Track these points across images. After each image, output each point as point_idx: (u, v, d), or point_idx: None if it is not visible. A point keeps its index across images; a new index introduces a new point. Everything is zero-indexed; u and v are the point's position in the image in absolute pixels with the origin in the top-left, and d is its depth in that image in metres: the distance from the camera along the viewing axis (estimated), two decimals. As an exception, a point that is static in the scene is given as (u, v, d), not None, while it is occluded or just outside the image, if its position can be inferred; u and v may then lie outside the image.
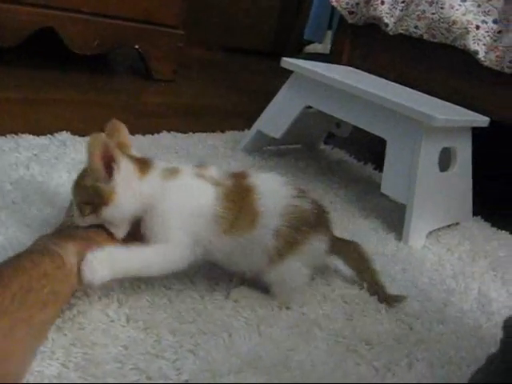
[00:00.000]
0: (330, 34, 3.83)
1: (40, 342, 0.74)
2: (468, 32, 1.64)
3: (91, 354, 0.76)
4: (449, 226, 1.52)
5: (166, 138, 1.67)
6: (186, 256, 0.88)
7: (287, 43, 4.13)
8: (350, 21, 2.00)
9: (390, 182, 1.42)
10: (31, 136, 1.38)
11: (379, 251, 1.29)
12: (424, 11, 1.75)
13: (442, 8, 1.70)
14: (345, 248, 1.09)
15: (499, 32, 1.63)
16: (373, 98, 1.43)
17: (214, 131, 1.85)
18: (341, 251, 1.08)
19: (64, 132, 1.46)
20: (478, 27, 1.64)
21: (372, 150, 1.96)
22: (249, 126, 1.76)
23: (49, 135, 1.42)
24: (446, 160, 1.48)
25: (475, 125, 1.53)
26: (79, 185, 0.87)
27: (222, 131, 1.88)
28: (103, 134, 0.82)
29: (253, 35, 3.92)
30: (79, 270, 0.78)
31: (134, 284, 0.92)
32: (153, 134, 1.65)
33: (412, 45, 1.86)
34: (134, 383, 0.73)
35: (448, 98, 1.67)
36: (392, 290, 1.09)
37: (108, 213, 0.85)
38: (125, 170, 0.85)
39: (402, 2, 1.84)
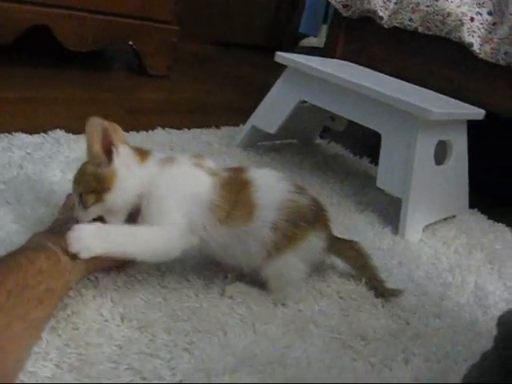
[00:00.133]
0: (325, 27, 3.83)
1: (36, 339, 0.74)
2: (463, 24, 1.64)
3: (85, 354, 0.75)
4: (445, 219, 1.52)
5: (160, 134, 1.66)
6: (179, 242, 0.88)
7: (282, 37, 4.12)
8: (344, 14, 1.99)
9: (386, 176, 1.42)
10: (24, 134, 1.37)
11: (375, 245, 1.29)
12: (418, 4, 1.75)
13: (436, 0, 1.69)
14: (343, 247, 1.08)
15: (494, 24, 1.62)
16: (367, 91, 1.42)
17: (208, 127, 1.84)
18: (340, 251, 1.08)
19: (58, 130, 1.45)
20: (472, 19, 1.64)
21: (368, 143, 1.95)
22: (244, 122, 1.75)
23: (42, 133, 1.41)
24: (441, 153, 1.48)
25: (471, 117, 1.52)
26: (81, 174, 0.88)
27: (217, 127, 1.87)
28: (101, 119, 0.84)
29: (248, 30, 3.91)
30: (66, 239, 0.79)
31: (128, 283, 0.92)
32: (147, 131, 1.65)
33: (407, 38, 1.86)
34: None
35: (443, 91, 1.67)
36: (388, 284, 1.09)
37: (111, 198, 0.86)
38: (124, 153, 0.88)
39: (397, -5, 1.83)
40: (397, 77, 1.77)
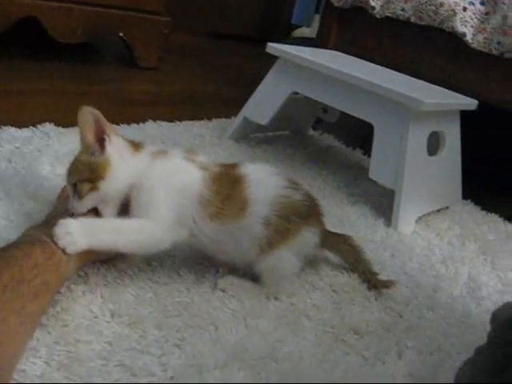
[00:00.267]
0: (317, 18, 3.81)
1: (32, 333, 0.74)
2: (455, 14, 1.63)
3: (75, 351, 0.74)
4: (438, 210, 1.51)
5: (151, 127, 1.65)
6: (167, 234, 0.88)
7: (275, 28, 4.10)
8: (336, 4, 1.98)
9: (379, 168, 1.41)
10: (13, 128, 1.36)
11: (368, 237, 1.28)
12: (410, -7, 1.74)
13: (428, -10, 1.68)
14: (336, 242, 1.08)
15: (486, 14, 1.62)
16: (359, 82, 1.41)
17: (200, 119, 1.83)
18: (333, 245, 1.08)
19: (47, 123, 1.43)
20: (465, 9, 1.63)
21: (360, 134, 1.94)
22: (236, 113, 1.73)
23: (32, 127, 1.40)
24: (434, 144, 1.47)
25: (463, 108, 1.51)
26: (75, 164, 0.89)
27: (209, 119, 1.86)
28: (92, 108, 0.85)
29: (240, 20, 3.88)
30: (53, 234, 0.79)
31: (118, 278, 0.91)
32: (138, 124, 1.63)
33: (399, 28, 1.85)
34: (119, 383, 0.72)
35: (436, 81, 1.66)
36: (381, 276, 1.08)
37: (105, 187, 0.87)
38: (117, 142, 0.89)
39: (389, -15, 1.82)
40: (389, 67, 1.76)
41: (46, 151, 1.29)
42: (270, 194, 0.93)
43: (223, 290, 0.95)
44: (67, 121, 1.38)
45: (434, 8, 1.68)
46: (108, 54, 2.66)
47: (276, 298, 0.97)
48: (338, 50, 1.97)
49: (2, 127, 1.34)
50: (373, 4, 1.83)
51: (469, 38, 1.63)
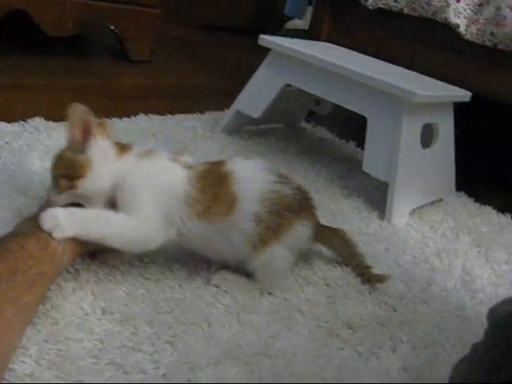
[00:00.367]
0: (310, 9, 3.78)
1: (28, 323, 0.74)
2: (448, 5, 1.61)
3: (65, 350, 0.73)
4: (432, 202, 1.51)
5: (143, 120, 1.63)
6: (155, 234, 0.87)
7: (267, 20, 4.07)
8: (328, -5, 1.96)
9: (372, 161, 1.40)
10: (2, 123, 1.34)
11: (362, 230, 1.28)
12: (403, -16, 1.72)
13: (421, -20, 1.67)
14: (329, 236, 1.08)
15: (480, 5, 1.60)
16: (352, 74, 1.40)
17: (192, 112, 1.81)
18: (325, 239, 1.07)
19: (37, 118, 1.41)
20: (458, 0, 1.61)
21: (354, 126, 1.93)
22: (228, 106, 1.72)
23: (21, 122, 1.38)
24: (428, 136, 1.46)
25: (457, 100, 1.51)
26: (58, 158, 0.89)
27: (201, 112, 1.84)
28: (84, 106, 0.85)
29: (232, 13, 3.85)
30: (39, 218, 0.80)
31: (109, 274, 0.90)
32: (129, 117, 1.61)
33: (392, 19, 1.83)
34: (110, 383, 0.71)
35: (429, 73, 1.65)
36: (375, 270, 1.08)
37: (83, 186, 0.86)
38: (102, 144, 0.88)
39: (381, -25, 1.81)
40: (382, 59, 1.75)
41: (36, 146, 1.28)
42: (258, 189, 0.92)
43: (217, 286, 0.94)
44: (57, 115, 1.36)
45: (427, -1, 1.67)
46: (99, 47, 2.64)
47: (269, 293, 0.96)
48: (331, 41, 1.95)
49: (-9, 122, 1.33)
50: (365, -5, 1.82)
51: (462, 29, 1.62)
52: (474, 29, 1.60)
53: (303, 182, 1.45)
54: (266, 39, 1.59)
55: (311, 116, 2.01)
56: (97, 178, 0.87)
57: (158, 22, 2.35)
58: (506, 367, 0.51)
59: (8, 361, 0.67)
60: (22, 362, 0.70)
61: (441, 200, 1.54)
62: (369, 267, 1.07)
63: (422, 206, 1.46)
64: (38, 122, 1.40)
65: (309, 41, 1.85)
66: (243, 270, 0.97)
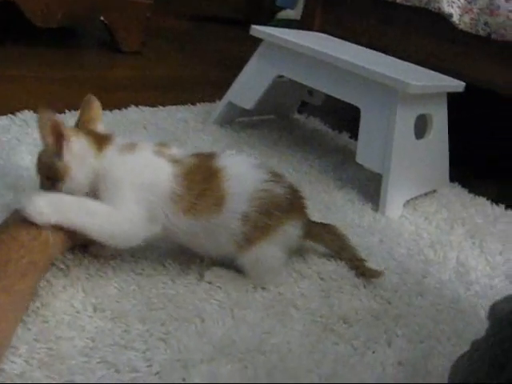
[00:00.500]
0: (302, -1, 3.76)
1: (22, 312, 0.74)
2: (441, -6, 1.60)
3: (56, 348, 0.72)
4: (426, 193, 1.50)
5: (133, 112, 1.61)
6: (137, 229, 0.86)
7: (259, 10, 4.04)
8: (320, -15, 1.94)
9: (366, 152, 1.39)
10: (-10, 116, 1.32)
11: (355, 222, 1.27)
12: (396, -27, 1.71)
13: (414, -31, 1.66)
14: (321, 233, 1.06)
15: (473, -7, 1.59)
16: (345, 64, 1.39)
17: (184, 104, 1.79)
18: (317, 236, 1.06)
19: (26, 111, 1.39)
20: (451, -11, 1.60)
21: (347, 117, 1.92)
22: (220, 98, 1.70)
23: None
24: (421, 127, 1.45)
25: (451, 90, 1.50)
26: (39, 160, 0.89)
27: (193, 104, 1.82)
28: (50, 111, 0.84)
29: (223, 3, 3.81)
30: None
31: (100, 270, 0.89)
32: (120, 109, 1.59)
33: (385, 9, 1.82)
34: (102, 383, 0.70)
35: (422, 63, 1.63)
36: (370, 262, 1.07)
37: (66, 188, 0.86)
38: (77, 145, 0.86)
39: (374, -36, 1.79)
40: (375, 49, 1.74)
41: (25, 140, 1.26)
42: (249, 188, 0.90)
43: (210, 283, 0.93)
44: (47, 108, 1.34)
45: (420, -12, 1.65)
46: (89, 38, 2.61)
47: (263, 288, 0.95)
48: (323, 31, 1.93)
49: (-20, 115, 1.31)
50: (358, -16, 1.80)
51: (455, 18, 1.60)
52: (467, 18, 1.59)
53: (296, 174, 1.45)
54: (257, 29, 1.57)
55: (304, 107, 1.99)
56: (77, 180, 0.86)
57: (149, 12, 2.32)
58: (509, 366, 0.50)
59: (3, 349, 0.68)
60: (11, 361, 0.69)
61: (435, 191, 1.54)
62: (363, 260, 1.06)
63: (416, 198, 1.46)
64: (27, 115, 1.38)
65: (301, 31, 1.83)
66: (235, 266, 0.95)
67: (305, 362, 0.80)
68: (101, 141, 0.89)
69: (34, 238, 0.77)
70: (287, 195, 0.94)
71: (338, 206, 1.33)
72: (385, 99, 1.34)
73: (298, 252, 1.06)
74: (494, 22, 1.53)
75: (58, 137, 0.84)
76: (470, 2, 1.59)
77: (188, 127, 1.61)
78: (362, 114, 1.39)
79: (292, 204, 0.95)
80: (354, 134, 1.69)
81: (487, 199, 1.56)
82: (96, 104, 0.97)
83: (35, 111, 1.39)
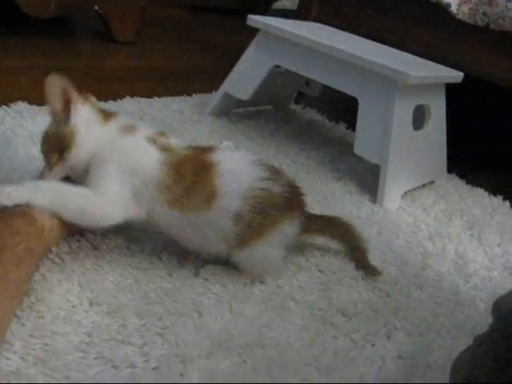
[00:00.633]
0: (298, -12, 3.73)
1: (18, 300, 0.74)
2: (439, -17, 1.59)
3: (51, 344, 0.71)
4: (424, 185, 1.49)
5: (129, 103, 1.60)
6: (117, 209, 0.84)
7: (255, 0, 4.01)
8: (317, -26, 1.92)
9: (363, 143, 1.38)
10: (-16, 108, 1.30)
11: (353, 214, 1.26)
12: (394, -38, 1.69)
13: (412, -42, 1.64)
14: (325, 225, 1.04)
15: (471, -17, 1.58)
16: (342, 55, 1.37)
17: (180, 95, 1.78)
18: (321, 229, 1.03)
19: (20, 102, 1.38)
20: (449, -22, 1.59)
21: (344, 107, 1.90)
22: (216, 88, 1.69)
23: (4, 106, 1.35)
24: (419, 118, 1.44)
25: (449, 81, 1.48)
26: (45, 135, 0.89)
27: (189, 94, 1.80)
28: (60, 76, 0.85)
29: (219, -8, 3.79)
30: None
31: (96, 264, 0.88)
32: (115, 100, 1.58)
33: (382, -2, 1.80)
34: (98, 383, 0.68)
35: (420, 53, 1.62)
36: (369, 254, 1.06)
37: (73, 155, 0.86)
38: (85, 111, 0.88)
39: (371, -47, 1.77)
40: (373, 39, 1.72)
41: (20, 131, 1.24)
42: (243, 186, 0.87)
43: (206, 280, 0.91)
44: (41, 99, 1.31)
45: (417, -23, 1.64)
46: (83, 28, 2.58)
47: (261, 282, 0.94)
48: (320, 21, 1.92)
49: (-27, 107, 1.29)
50: (355, -26, 1.78)
51: (454, 8, 1.59)
52: (465, 8, 1.58)
53: (293, 165, 1.44)
54: (254, 19, 1.55)
55: (301, 97, 1.98)
56: (83, 147, 0.86)
57: (143, 2, 2.30)
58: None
59: (1, 337, 0.67)
60: (6, 358, 0.68)
61: (432, 182, 1.53)
62: (366, 252, 1.05)
63: (414, 189, 1.45)
64: (21, 106, 1.36)
65: (298, 21, 1.82)
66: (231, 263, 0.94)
67: (304, 355, 0.80)
68: (106, 114, 0.91)
69: (30, 224, 0.77)
70: (285, 193, 0.90)
71: (335, 198, 1.32)
72: (383, 90, 1.33)
73: (295, 245, 1.04)
74: (493, 11, 1.52)
75: (65, 101, 0.85)
76: (468, -8, 1.57)
77: (184, 118, 1.60)
78: (360, 104, 1.38)
79: (290, 202, 0.92)
80: (352, 125, 1.68)
81: (485, 190, 1.55)
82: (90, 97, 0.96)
83: (30, 102, 1.38)
